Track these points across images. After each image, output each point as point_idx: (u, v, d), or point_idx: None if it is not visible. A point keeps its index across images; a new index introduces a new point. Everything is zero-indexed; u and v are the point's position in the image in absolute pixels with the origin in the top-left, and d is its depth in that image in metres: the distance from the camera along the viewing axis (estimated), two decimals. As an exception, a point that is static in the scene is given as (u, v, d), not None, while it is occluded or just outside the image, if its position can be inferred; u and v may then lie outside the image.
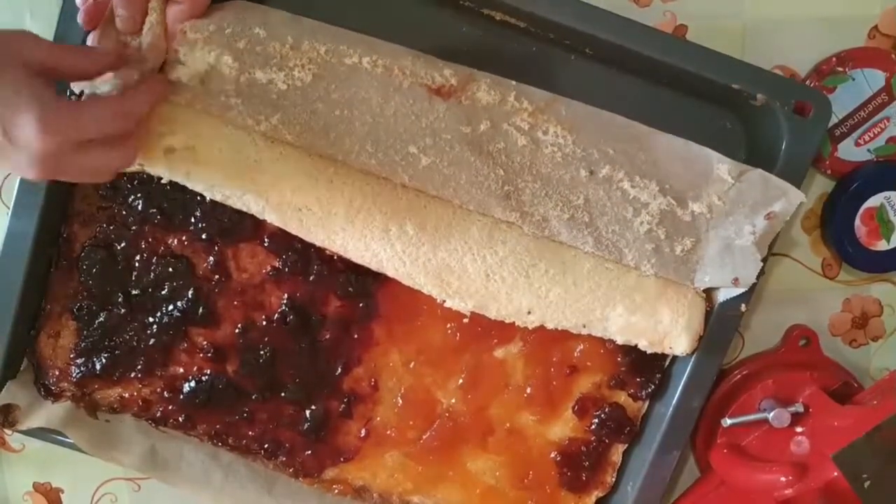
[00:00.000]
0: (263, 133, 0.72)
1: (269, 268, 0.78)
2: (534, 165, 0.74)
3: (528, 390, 0.82)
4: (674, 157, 0.75)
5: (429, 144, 0.73)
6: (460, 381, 0.82)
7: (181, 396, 0.80)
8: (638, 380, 0.82)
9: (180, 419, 0.81)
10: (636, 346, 0.78)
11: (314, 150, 0.73)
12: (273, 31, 0.71)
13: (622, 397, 0.83)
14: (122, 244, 0.78)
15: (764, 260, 0.75)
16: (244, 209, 0.74)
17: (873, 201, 0.83)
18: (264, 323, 0.79)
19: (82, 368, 0.80)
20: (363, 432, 0.82)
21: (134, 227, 0.77)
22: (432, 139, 0.73)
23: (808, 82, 0.81)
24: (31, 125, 0.57)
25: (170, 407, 0.81)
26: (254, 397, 0.81)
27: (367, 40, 0.73)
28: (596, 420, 0.83)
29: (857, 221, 0.83)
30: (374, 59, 0.72)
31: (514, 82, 0.74)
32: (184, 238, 0.78)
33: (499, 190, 0.74)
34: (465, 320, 0.79)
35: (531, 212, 0.74)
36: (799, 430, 0.81)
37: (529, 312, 0.76)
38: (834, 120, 0.81)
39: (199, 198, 0.75)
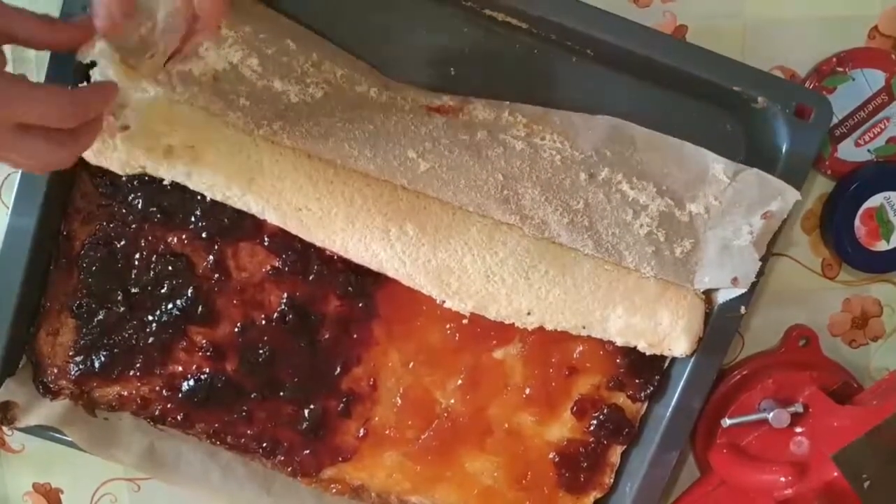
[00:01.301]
0: (263, 136, 0.72)
1: (268, 267, 0.78)
2: (533, 171, 0.74)
3: (527, 391, 0.82)
4: (669, 157, 0.76)
5: (428, 149, 0.73)
6: (459, 381, 0.82)
7: (180, 395, 0.80)
8: (637, 381, 0.82)
9: (179, 418, 0.81)
10: (635, 347, 0.78)
11: (313, 154, 0.73)
12: (301, 46, 0.72)
13: (621, 399, 0.83)
14: (122, 242, 0.78)
15: (763, 260, 0.75)
16: (244, 209, 0.74)
17: (873, 201, 0.83)
18: (263, 322, 0.79)
19: (81, 366, 0.80)
20: (362, 432, 0.82)
21: (134, 226, 0.77)
22: (431, 144, 0.73)
23: (808, 83, 0.81)
24: None
25: (168, 405, 0.81)
26: (252, 396, 0.81)
27: (377, 76, 0.75)
28: (595, 421, 0.83)
29: (857, 222, 0.83)
30: (379, 91, 0.74)
31: (507, 103, 0.76)
32: (184, 237, 0.78)
33: (498, 194, 0.74)
34: (465, 321, 0.79)
35: (531, 215, 0.74)
36: (798, 430, 0.80)
37: (529, 313, 0.76)
38: (834, 120, 0.81)
39: (199, 196, 0.75)
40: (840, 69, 0.81)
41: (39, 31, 0.61)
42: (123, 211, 0.77)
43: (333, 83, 0.73)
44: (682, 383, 0.79)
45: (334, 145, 0.72)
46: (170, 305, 0.79)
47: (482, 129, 0.74)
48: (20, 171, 0.74)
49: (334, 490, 0.84)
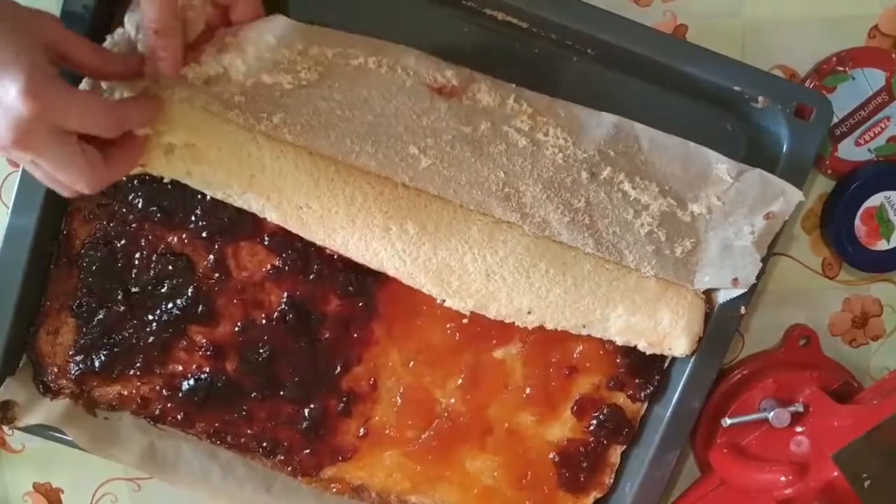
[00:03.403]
0: (264, 132, 0.72)
1: (269, 266, 0.78)
2: (535, 169, 0.74)
3: (527, 391, 0.82)
4: (672, 156, 0.75)
5: (429, 145, 0.73)
6: (459, 381, 0.82)
7: (180, 394, 0.80)
8: (637, 381, 0.82)
9: (179, 417, 0.81)
10: (635, 347, 0.78)
11: (314, 150, 0.73)
12: (282, 39, 0.71)
13: (621, 398, 0.83)
14: (123, 242, 0.78)
15: (763, 261, 0.75)
16: (245, 207, 0.74)
17: (873, 201, 0.83)
18: (264, 321, 0.79)
19: (81, 366, 0.80)
20: (362, 431, 0.82)
21: (134, 225, 0.77)
22: (433, 139, 0.73)
23: (808, 82, 0.81)
24: (17, 85, 0.57)
25: (168, 405, 0.81)
26: (252, 396, 0.81)
27: (374, 42, 0.73)
28: (594, 421, 0.83)
29: (857, 221, 0.83)
30: (378, 60, 0.72)
31: (513, 86, 0.75)
32: (184, 236, 0.78)
33: (499, 192, 0.74)
34: (465, 320, 0.79)
35: (532, 213, 0.74)
36: (799, 429, 0.80)
37: (529, 312, 0.76)
38: (834, 119, 0.81)
39: (199, 196, 0.75)
40: (840, 68, 0.81)
41: (92, 60, 0.64)
42: (124, 210, 0.77)
43: (326, 63, 0.72)
44: (682, 383, 0.79)
45: (336, 140, 0.72)
46: (170, 305, 0.79)
47: (486, 118, 0.73)
48: (20, 171, 0.74)
49: (334, 489, 0.84)
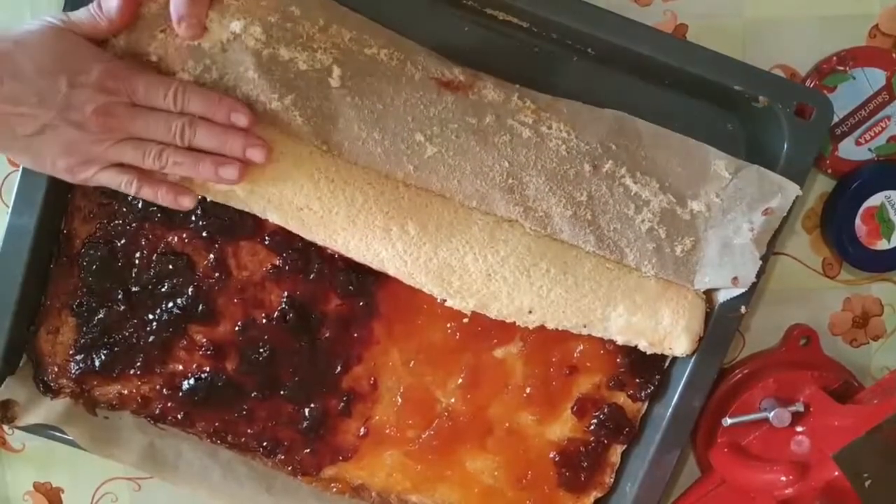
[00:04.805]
0: (273, 112, 0.71)
1: (269, 266, 0.78)
2: (539, 160, 0.74)
3: (528, 390, 0.82)
4: (672, 152, 0.76)
5: (435, 133, 0.73)
6: (460, 380, 0.82)
7: (180, 394, 0.80)
8: (637, 381, 0.82)
9: (179, 416, 0.81)
10: (636, 346, 0.78)
11: (322, 136, 0.72)
12: (307, 12, 0.72)
13: (621, 398, 0.83)
14: (123, 241, 0.78)
15: (763, 259, 0.75)
16: (245, 209, 0.74)
17: (874, 200, 0.83)
18: (264, 321, 0.79)
19: (81, 365, 0.80)
20: (362, 431, 0.82)
21: (134, 224, 0.77)
22: (439, 128, 0.73)
23: (808, 81, 0.81)
24: (98, 69, 0.66)
25: (169, 404, 0.81)
26: (253, 395, 0.81)
27: (388, 34, 0.74)
28: (595, 421, 0.83)
29: (858, 221, 0.83)
30: (391, 52, 0.73)
31: (517, 85, 0.75)
32: (184, 235, 0.78)
33: (503, 182, 0.74)
34: (466, 320, 0.79)
35: (534, 207, 0.74)
36: (799, 429, 0.80)
37: (530, 312, 0.76)
38: (834, 119, 0.81)
39: (199, 195, 0.75)
40: (840, 68, 0.81)
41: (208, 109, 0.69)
42: (124, 209, 0.77)
43: (342, 47, 0.73)
44: (682, 383, 0.79)
45: (344, 126, 0.72)
46: (170, 304, 0.79)
47: (491, 111, 0.74)
48: (20, 171, 0.74)
49: (335, 489, 0.84)
